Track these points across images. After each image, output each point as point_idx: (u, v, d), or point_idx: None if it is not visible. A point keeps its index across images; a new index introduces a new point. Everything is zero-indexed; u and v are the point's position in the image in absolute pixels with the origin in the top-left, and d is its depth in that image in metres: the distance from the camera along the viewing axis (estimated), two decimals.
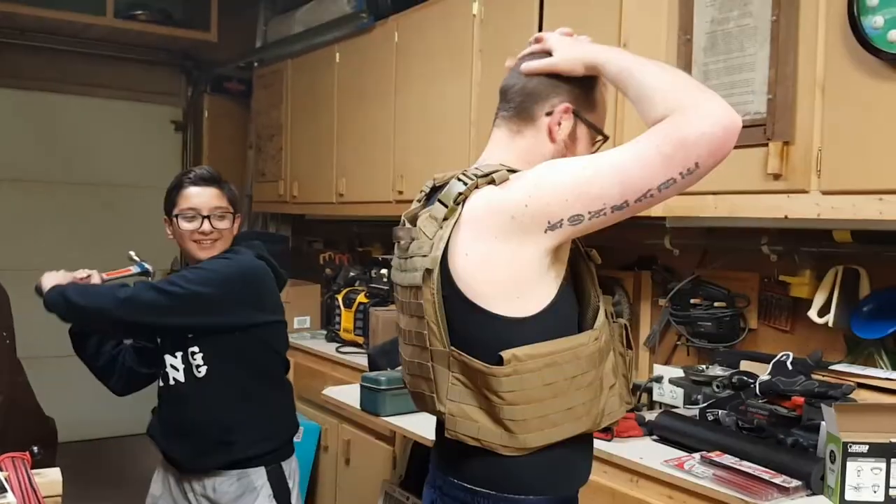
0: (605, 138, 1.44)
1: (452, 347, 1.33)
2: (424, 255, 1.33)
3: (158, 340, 2.20)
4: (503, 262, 1.29)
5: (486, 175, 1.32)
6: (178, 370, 2.14)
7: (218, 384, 2.12)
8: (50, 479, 1.68)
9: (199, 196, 2.15)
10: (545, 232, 1.26)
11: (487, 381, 1.30)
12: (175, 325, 2.07)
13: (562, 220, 1.24)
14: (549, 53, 1.39)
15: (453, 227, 1.32)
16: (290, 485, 2.22)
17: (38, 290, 2.13)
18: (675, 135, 1.18)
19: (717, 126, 1.17)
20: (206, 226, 2.13)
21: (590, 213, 1.23)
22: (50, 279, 2.13)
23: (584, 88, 1.38)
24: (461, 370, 1.33)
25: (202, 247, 2.14)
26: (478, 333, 1.31)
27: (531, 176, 1.29)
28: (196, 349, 2.11)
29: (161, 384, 2.21)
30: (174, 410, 2.19)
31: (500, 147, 1.42)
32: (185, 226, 2.14)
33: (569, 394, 1.31)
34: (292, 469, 2.25)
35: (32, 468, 1.67)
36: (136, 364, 2.30)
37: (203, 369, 2.12)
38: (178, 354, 2.14)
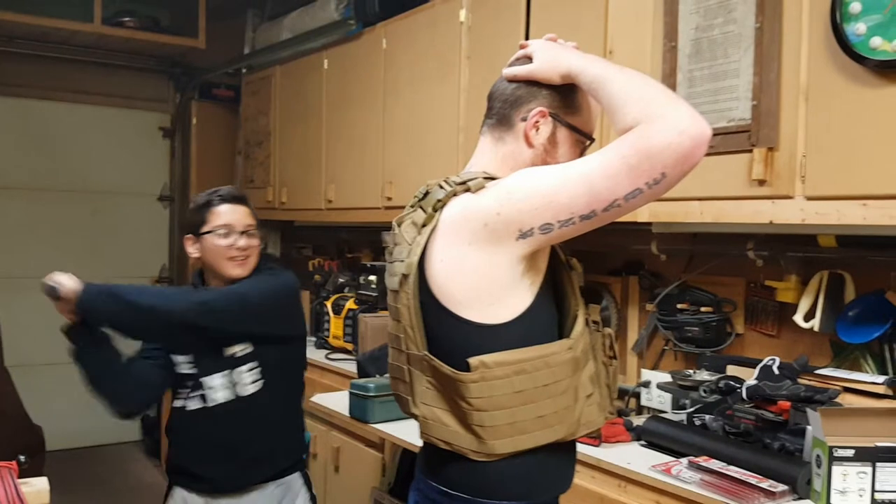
0: (592, 141, 1.44)
1: (426, 352, 1.35)
2: (402, 261, 1.37)
3: (191, 364, 2.12)
4: (476, 268, 1.30)
5: (464, 183, 1.34)
6: (219, 390, 2.09)
7: (266, 400, 2.11)
8: (37, 488, 1.67)
9: (233, 213, 2.14)
10: (517, 240, 1.27)
11: (456, 386, 1.32)
12: (240, 333, 2.06)
13: (532, 228, 1.26)
14: (531, 59, 1.40)
15: (430, 233, 1.35)
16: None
17: (54, 291, 1.90)
18: (640, 145, 1.18)
19: (684, 136, 1.17)
20: (243, 241, 2.12)
21: (559, 221, 1.24)
22: (70, 279, 1.94)
23: (563, 92, 1.39)
24: (433, 374, 1.36)
25: (236, 263, 2.12)
26: (452, 339, 1.33)
27: (504, 184, 1.30)
28: (250, 365, 2.09)
29: (191, 407, 2.12)
30: (213, 432, 2.11)
31: (485, 154, 1.44)
32: (221, 242, 2.10)
33: (540, 402, 1.32)
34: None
35: (19, 477, 1.67)
36: (160, 381, 2.17)
37: (251, 387, 2.09)
38: (225, 373, 2.09)
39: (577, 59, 1.35)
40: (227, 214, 2.13)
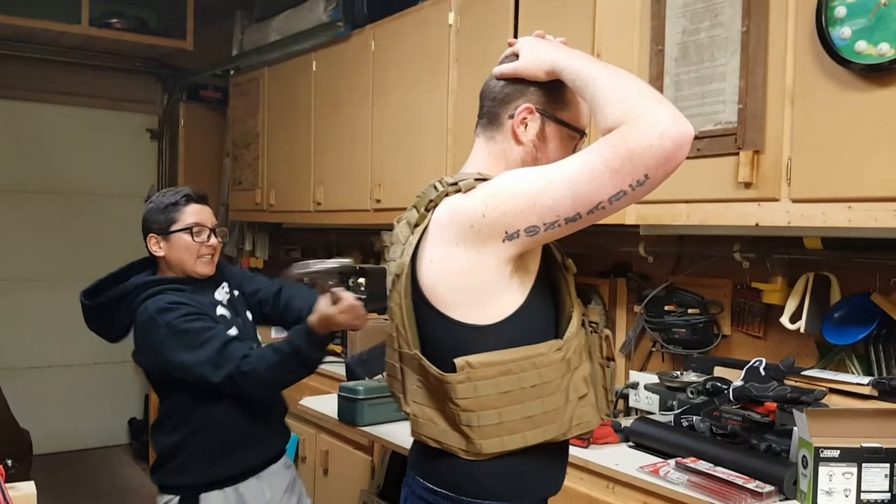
0: (583, 135, 1.44)
1: (415, 352, 1.36)
2: (395, 261, 1.39)
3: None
4: (464, 269, 1.30)
5: (455, 183, 1.35)
6: None
7: None
8: (24, 492, 1.66)
9: (202, 212, 2.21)
10: (503, 241, 1.27)
11: (443, 386, 1.33)
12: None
13: (518, 230, 1.26)
14: (518, 57, 1.41)
15: (422, 233, 1.36)
16: None
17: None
18: (621, 147, 1.18)
19: (665, 138, 1.16)
20: (214, 239, 2.19)
21: (544, 224, 1.24)
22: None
23: (551, 88, 1.39)
24: (422, 374, 1.37)
25: (205, 261, 2.19)
26: (442, 339, 1.34)
27: (490, 186, 1.31)
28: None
29: None
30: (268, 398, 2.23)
31: (479, 155, 1.45)
32: (195, 240, 2.16)
33: (527, 402, 1.32)
34: None
35: (6, 482, 1.66)
36: None
37: None
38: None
39: (561, 55, 1.35)
40: (198, 213, 2.19)
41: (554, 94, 1.39)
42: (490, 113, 1.43)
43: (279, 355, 1.98)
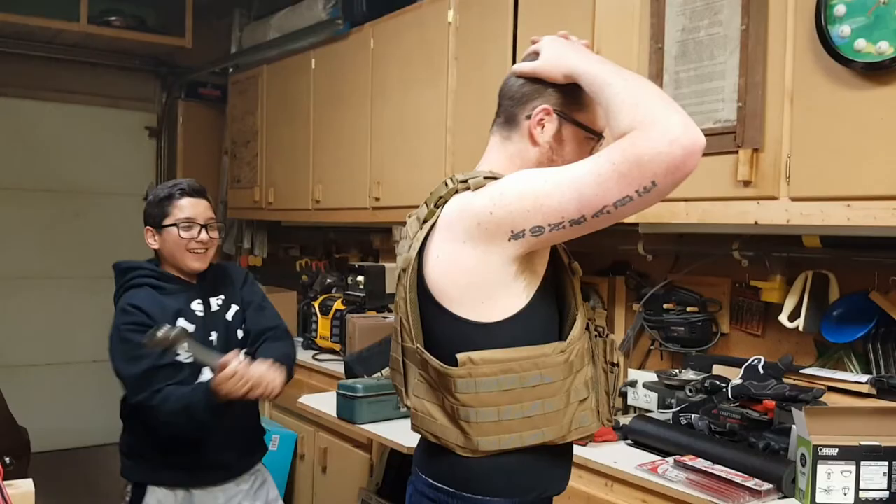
0: (601, 137, 1.43)
1: (418, 345, 1.37)
2: (402, 255, 1.40)
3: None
4: (469, 266, 1.31)
5: (465, 181, 1.35)
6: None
7: None
8: (22, 490, 1.66)
9: (195, 207, 2.19)
10: (509, 240, 1.28)
11: (445, 381, 1.34)
12: None
13: (524, 230, 1.26)
14: (538, 55, 1.41)
15: (430, 229, 1.36)
16: None
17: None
18: (630, 152, 1.18)
19: (675, 145, 1.16)
20: (204, 235, 2.18)
21: (549, 225, 1.25)
22: None
23: (570, 89, 1.38)
24: (424, 368, 1.38)
25: (197, 256, 2.18)
26: (445, 334, 1.35)
27: (499, 185, 1.31)
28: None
29: None
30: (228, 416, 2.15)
31: (493, 153, 1.45)
32: (184, 235, 2.15)
33: (527, 402, 1.32)
34: None
35: (4, 479, 1.66)
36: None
37: None
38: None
39: (579, 59, 1.34)
40: (190, 208, 2.18)
41: (572, 95, 1.38)
42: (508, 112, 1.42)
43: (179, 403, 1.97)
